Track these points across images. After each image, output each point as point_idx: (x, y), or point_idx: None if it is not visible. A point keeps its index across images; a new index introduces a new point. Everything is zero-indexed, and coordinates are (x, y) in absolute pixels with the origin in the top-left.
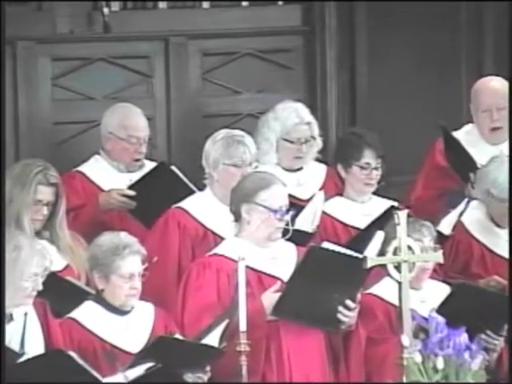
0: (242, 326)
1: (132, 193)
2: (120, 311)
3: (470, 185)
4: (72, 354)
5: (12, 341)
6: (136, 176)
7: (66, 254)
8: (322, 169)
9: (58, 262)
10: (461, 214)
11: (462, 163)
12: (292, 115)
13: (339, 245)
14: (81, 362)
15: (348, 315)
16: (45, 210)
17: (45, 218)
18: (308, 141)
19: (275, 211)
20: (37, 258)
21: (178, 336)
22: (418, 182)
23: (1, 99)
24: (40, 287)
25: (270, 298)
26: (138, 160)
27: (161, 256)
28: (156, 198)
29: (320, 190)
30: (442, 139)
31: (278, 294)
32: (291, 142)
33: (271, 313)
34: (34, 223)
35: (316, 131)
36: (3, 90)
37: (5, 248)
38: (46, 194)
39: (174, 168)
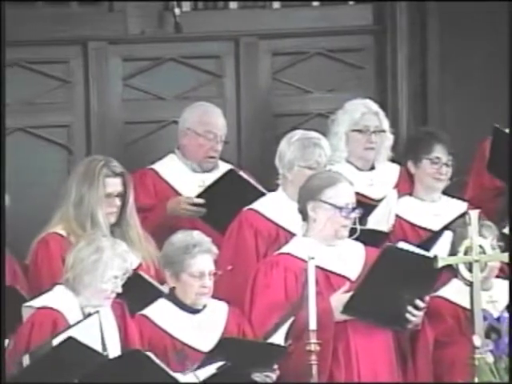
0: (312, 325)
1: (201, 201)
2: (192, 309)
3: None
4: (150, 354)
5: (91, 342)
6: (209, 177)
7: (137, 246)
8: (395, 169)
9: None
10: None
11: None
12: (359, 106)
13: (414, 245)
14: (158, 361)
15: (416, 315)
16: (117, 201)
17: (118, 210)
18: (377, 131)
19: (341, 208)
20: (118, 261)
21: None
22: (469, 183)
23: (1, 99)
24: (119, 289)
25: (338, 299)
26: (212, 158)
27: (239, 260)
28: (226, 203)
29: (393, 189)
30: (489, 141)
31: (347, 295)
32: (360, 131)
33: (342, 311)
34: (109, 217)
35: (385, 123)
36: (3, 89)
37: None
38: (114, 185)
39: (242, 173)
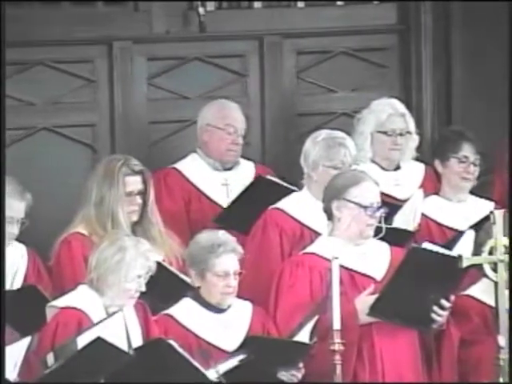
0: (336, 325)
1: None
2: (217, 309)
3: None
4: (172, 342)
5: (117, 341)
6: (231, 175)
7: (159, 244)
8: (420, 168)
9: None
10: None
11: None
12: (386, 107)
13: (439, 245)
14: (181, 350)
15: (442, 315)
16: (138, 199)
17: (140, 208)
18: (403, 134)
19: (365, 207)
20: (141, 260)
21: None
22: (495, 182)
23: (1, 98)
24: (143, 289)
25: (363, 301)
26: (233, 151)
27: (264, 259)
28: (260, 210)
29: (419, 189)
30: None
31: (372, 298)
32: (386, 133)
33: (368, 313)
34: (130, 216)
35: (412, 125)
36: (3, 89)
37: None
38: (134, 183)
39: (269, 177)
